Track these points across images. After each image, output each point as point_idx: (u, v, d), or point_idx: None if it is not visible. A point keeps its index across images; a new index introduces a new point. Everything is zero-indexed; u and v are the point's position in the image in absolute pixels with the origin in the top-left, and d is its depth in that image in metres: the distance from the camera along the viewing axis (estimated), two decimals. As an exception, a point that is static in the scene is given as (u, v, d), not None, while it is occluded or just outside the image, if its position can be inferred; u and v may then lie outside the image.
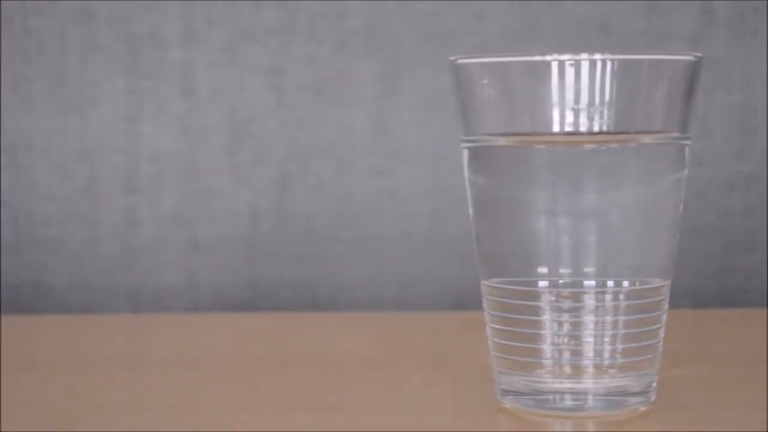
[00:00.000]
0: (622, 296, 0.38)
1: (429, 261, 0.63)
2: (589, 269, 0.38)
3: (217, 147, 0.63)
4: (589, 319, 0.38)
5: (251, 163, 0.63)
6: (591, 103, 0.37)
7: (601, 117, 0.37)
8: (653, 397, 0.40)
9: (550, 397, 0.39)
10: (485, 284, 0.40)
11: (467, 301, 0.61)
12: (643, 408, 0.39)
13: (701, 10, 0.62)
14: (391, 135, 0.63)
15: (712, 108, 0.63)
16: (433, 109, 0.63)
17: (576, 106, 0.37)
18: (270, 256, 0.63)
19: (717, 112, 0.63)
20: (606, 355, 0.38)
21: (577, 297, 0.38)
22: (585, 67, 0.37)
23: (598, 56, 0.37)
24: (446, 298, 0.63)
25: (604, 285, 0.38)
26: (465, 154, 0.40)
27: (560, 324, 0.38)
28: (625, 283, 0.38)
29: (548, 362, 0.39)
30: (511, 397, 0.39)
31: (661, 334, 0.40)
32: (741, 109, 0.63)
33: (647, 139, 0.38)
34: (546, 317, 0.38)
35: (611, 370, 0.38)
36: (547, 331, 0.38)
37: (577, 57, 0.37)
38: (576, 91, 0.37)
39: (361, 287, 0.63)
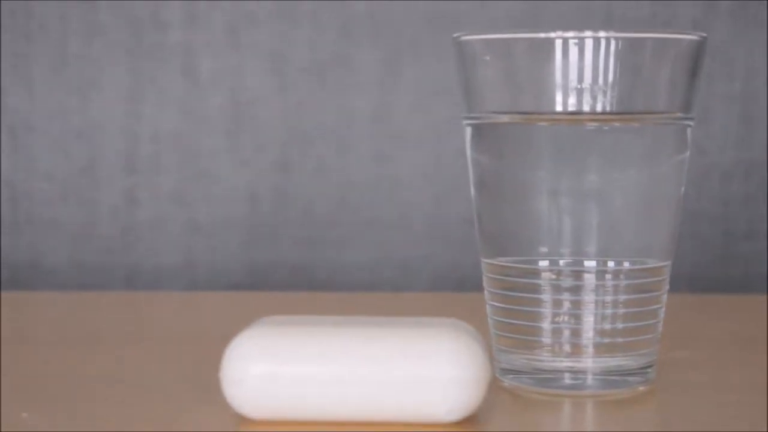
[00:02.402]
0: (622, 276, 0.38)
1: (429, 246, 0.63)
2: (590, 249, 0.38)
3: (218, 129, 0.63)
4: (589, 299, 0.38)
5: (251, 145, 0.63)
6: (594, 81, 0.37)
7: (605, 96, 0.37)
8: (653, 377, 0.40)
9: (550, 375, 0.39)
10: (486, 262, 0.40)
11: (467, 286, 0.61)
12: (642, 388, 0.39)
13: (704, -2, 0.62)
14: (392, 120, 0.63)
15: (713, 96, 0.63)
16: (434, 94, 0.63)
17: (579, 85, 0.37)
18: (269, 238, 0.63)
19: (718, 101, 0.63)
20: (606, 334, 0.38)
21: (577, 276, 0.38)
22: (589, 45, 0.37)
23: (602, 34, 0.37)
24: (445, 282, 0.63)
25: (605, 264, 0.38)
26: (467, 131, 0.40)
27: (561, 303, 0.38)
28: (626, 263, 0.38)
29: (548, 341, 0.39)
30: (510, 375, 0.39)
31: (661, 314, 0.40)
32: (742, 97, 0.63)
33: (650, 118, 0.38)
34: (546, 296, 0.38)
35: (611, 350, 0.38)
36: (548, 310, 0.38)
37: (581, 35, 0.37)
38: (579, 69, 0.37)
39: (360, 271, 0.63)
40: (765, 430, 0.35)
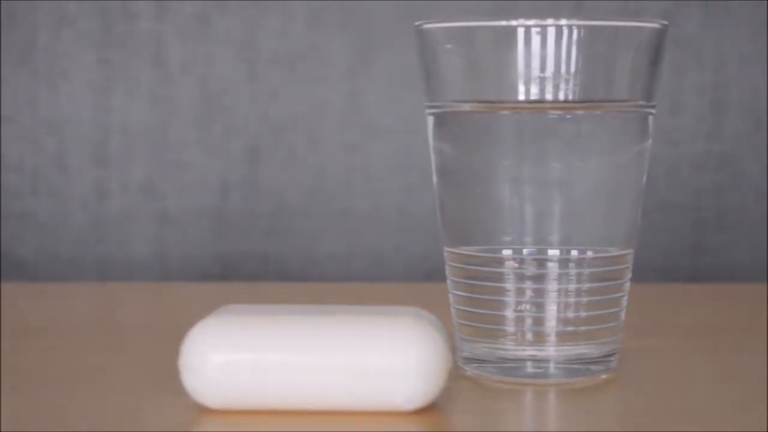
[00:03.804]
0: (585, 264, 0.38)
1: (400, 236, 0.63)
2: (552, 237, 0.38)
3: (188, 119, 0.63)
4: (552, 287, 0.38)
5: (222, 136, 0.63)
6: (556, 70, 0.37)
7: (567, 84, 0.37)
8: (615, 366, 0.40)
9: (513, 364, 0.39)
10: (448, 251, 0.40)
11: (439, 276, 0.61)
12: (604, 376, 0.39)
13: (675, -11, 0.62)
14: (363, 110, 0.63)
15: (684, 87, 0.63)
16: (405, 84, 0.63)
17: (542, 74, 0.37)
18: (240, 229, 0.63)
19: (689, 91, 0.63)
20: (569, 322, 0.38)
21: (540, 265, 0.38)
22: (551, 33, 0.37)
23: (564, 22, 0.37)
24: (418, 272, 0.63)
25: (568, 253, 0.38)
26: (430, 120, 0.40)
27: (523, 291, 0.38)
28: (589, 252, 0.38)
29: (511, 329, 0.38)
30: (473, 364, 0.39)
31: (624, 302, 0.40)
32: (713, 87, 0.63)
33: (612, 107, 0.38)
34: (509, 285, 0.38)
35: (574, 338, 0.38)
36: (511, 299, 0.38)
37: (543, 23, 0.37)
38: (541, 57, 0.37)
39: (332, 262, 0.63)
40: (726, 418, 0.35)
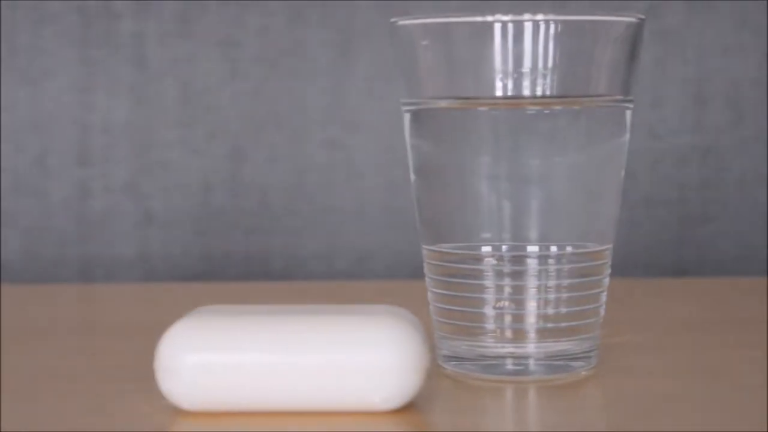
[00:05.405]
0: (563, 260, 0.38)
1: (384, 234, 0.63)
2: (531, 233, 0.38)
3: (170, 119, 0.63)
4: (531, 284, 0.38)
5: (205, 135, 0.63)
6: (534, 64, 0.37)
7: (544, 79, 0.37)
8: (595, 362, 0.39)
9: (492, 361, 0.38)
10: (426, 249, 0.40)
11: (422, 274, 0.61)
12: (585, 372, 0.39)
13: (658, -18, 0.62)
14: (345, 107, 0.63)
15: (667, 80, 0.63)
16: (388, 80, 0.62)
17: (519, 69, 0.37)
18: (223, 228, 0.63)
19: (672, 85, 0.63)
20: (548, 319, 0.38)
21: (519, 261, 0.38)
22: (527, 28, 0.37)
23: (540, 17, 0.37)
24: (402, 269, 0.63)
25: (546, 249, 0.38)
26: (406, 117, 0.39)
27: (503, 288, 0.38)
28: (567, 248, 0.38)
29: (490, 327, 0.38)
30: (452, 362, 0.39)
31: (603, 298, 0.39)
32: (696, 81, 0.63)
33: (590, 101, 0.38)
34: (488, 282, 0.38)
35: (554, 334, 0.38)
36: (490, 296, 0.38)
37: (519, 18, 0.37)
38: (518, 53, 0.37)
39: (316, 260, 0.63)
40: (709, 413, 0.35)
